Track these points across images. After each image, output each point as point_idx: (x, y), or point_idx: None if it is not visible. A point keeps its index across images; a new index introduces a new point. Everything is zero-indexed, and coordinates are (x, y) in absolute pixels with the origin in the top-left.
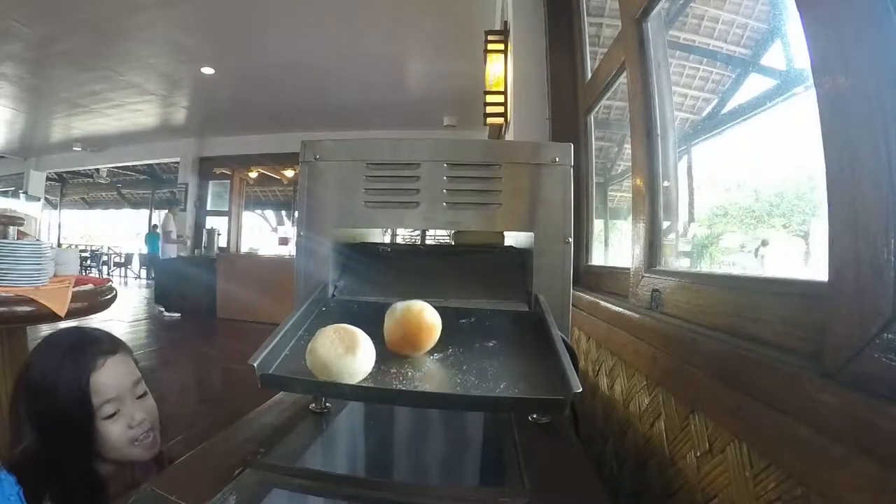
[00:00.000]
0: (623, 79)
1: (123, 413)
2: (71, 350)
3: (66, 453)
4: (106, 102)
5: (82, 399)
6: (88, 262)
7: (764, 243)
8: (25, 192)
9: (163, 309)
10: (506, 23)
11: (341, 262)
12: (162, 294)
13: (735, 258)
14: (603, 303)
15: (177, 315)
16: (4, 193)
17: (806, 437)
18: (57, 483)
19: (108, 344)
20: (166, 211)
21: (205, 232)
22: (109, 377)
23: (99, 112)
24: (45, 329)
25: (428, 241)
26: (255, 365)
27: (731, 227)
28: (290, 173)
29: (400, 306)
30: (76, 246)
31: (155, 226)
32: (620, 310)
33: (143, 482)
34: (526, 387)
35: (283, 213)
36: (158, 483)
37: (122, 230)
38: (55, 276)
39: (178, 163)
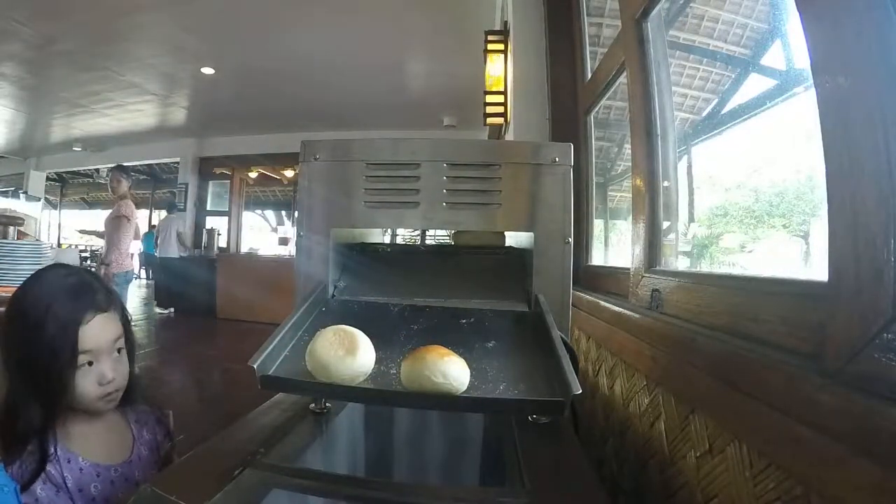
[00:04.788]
0: (623, 79)
1: (96, 368)
2: (68, 294)
3: (40, 400)
4: (106, 102)
5: (70, 346)
6: (88, 261)
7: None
8: (25, 192)
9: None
10: (506, 23)
11: (341, 262)
12: (161, 294)
13: (735, 258)
14: (603, 303)
15: (167, 311)
16: (4, 193)
17: (806, 437)
18: (25, 433)
19: (102, 299)
20: (174, 213)
21: (205, 232)
22: (94, 331)
23: (99, 112)
24: None
25: (428, 242)
26: (254, 366)
27: (731, 227)
28: (290, 173)
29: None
30: (76, 246)
31: (154, 226)
32: (620, 310)
33: None
34: (526, 388)
35: (283, 213)
36: (158, 483)
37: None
38: None
39: (178, 163)
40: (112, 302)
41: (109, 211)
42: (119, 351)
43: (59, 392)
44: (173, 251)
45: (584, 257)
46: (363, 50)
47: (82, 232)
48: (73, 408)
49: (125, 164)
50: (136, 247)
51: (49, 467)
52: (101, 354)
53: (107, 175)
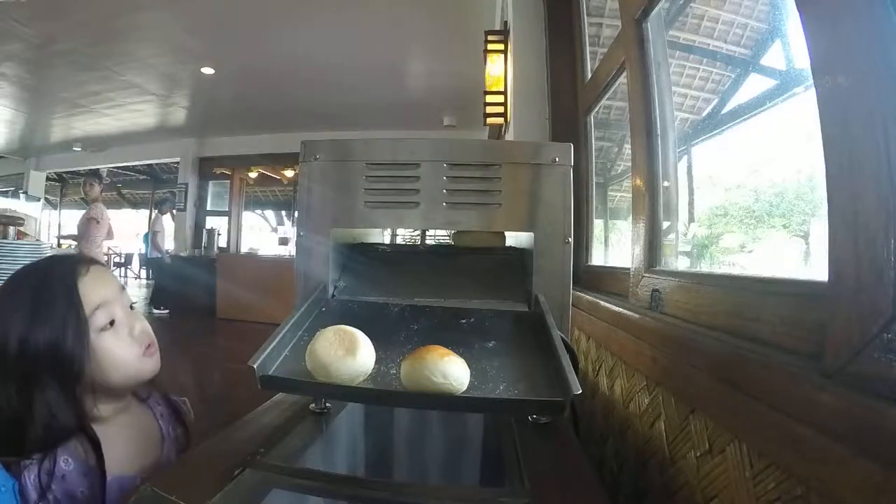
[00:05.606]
0: (623, 79)
1: (119, 326)
2: (49, 267)
3: (58, 395)
4: (106, 102)
5: (73, 310)
6: None
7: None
8: (25, 192)
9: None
10: (506, 23)
11: (341, 262)
12: (156, 295)
13: (735, 258)
14: (603, 303)
15: (163, 312)
16: (4, 193)
17: (806, 437)
18: (45, 442)
19: (86, 257)
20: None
21: (205, 232)
22: (95, 279)
23: (99, 112)
24: None
25: (427, 242)
26: (254, 366)
27: (731, 227)
28: (290, 173)
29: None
30: (75, 246)
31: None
32: (620, 310)
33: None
34: (526, 388)
35: (283, 213)
36: (158, 483)
37: (123, 230)
38: None
39: (178, 163)
40: (97, 260)
41: (111, 210)
42: (133, 307)
43: (81, 364)
44: (155, 252)
45: (584, 257)
46: (363, 50)
47: (61, 237)
48: (112, 392)
49: (123, 165)
50: (138, 246)
51: (57, 486)
52: (115, 305)
53: (106, 175)
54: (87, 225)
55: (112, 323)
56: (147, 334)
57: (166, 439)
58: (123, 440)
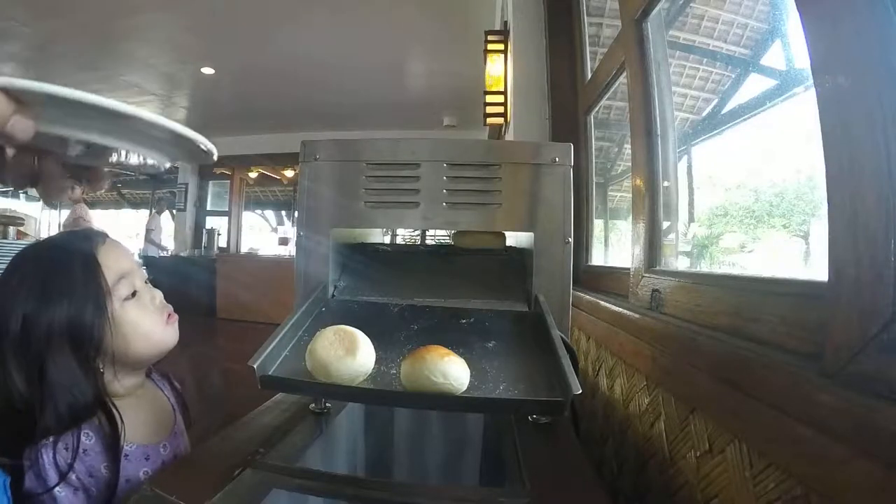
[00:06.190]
0: (623, 79)
1: (141, 294)
2: (63, 242)
3: (78, 370)
4: None
5: (93, 278)
6: None
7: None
8: (25, 192)
9: None
10: (506, 23)
11: (341, 262)
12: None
13: (735, 258)
14: (603, 303)
15: None
16: (4, 193)
17: (806, 437)
18: (64, 422)
19: (101, 231)
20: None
21: (205, 232)
22: (113, 251)
23: None
24: None
25: (427, 242)
26: (254, 366)
27: (731, 227)
28: (290, 173)
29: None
30: None
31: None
32: (620, 310)
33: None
34: (526, 388)
35: (283, 213)
36: (158, 483)
37: (123, 230)
38: None
39: (177, 163)
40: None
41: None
42: (147, 282)
43: (101, 334)
44: (152, 251)
45: (584, 257)
46: (363, 50)
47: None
48: (134, 364)
49: None
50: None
51: (78, 465)
52: (135, 276)
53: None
54: (76, 224)
55: (134, 294)
56: (165, 304)
57: (176, 410)
58: (144, 412)
